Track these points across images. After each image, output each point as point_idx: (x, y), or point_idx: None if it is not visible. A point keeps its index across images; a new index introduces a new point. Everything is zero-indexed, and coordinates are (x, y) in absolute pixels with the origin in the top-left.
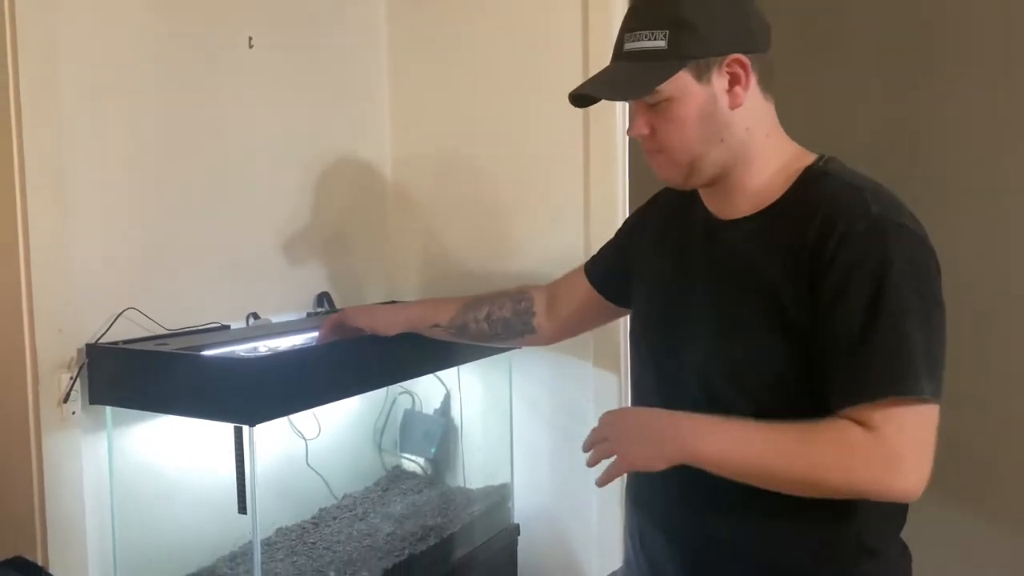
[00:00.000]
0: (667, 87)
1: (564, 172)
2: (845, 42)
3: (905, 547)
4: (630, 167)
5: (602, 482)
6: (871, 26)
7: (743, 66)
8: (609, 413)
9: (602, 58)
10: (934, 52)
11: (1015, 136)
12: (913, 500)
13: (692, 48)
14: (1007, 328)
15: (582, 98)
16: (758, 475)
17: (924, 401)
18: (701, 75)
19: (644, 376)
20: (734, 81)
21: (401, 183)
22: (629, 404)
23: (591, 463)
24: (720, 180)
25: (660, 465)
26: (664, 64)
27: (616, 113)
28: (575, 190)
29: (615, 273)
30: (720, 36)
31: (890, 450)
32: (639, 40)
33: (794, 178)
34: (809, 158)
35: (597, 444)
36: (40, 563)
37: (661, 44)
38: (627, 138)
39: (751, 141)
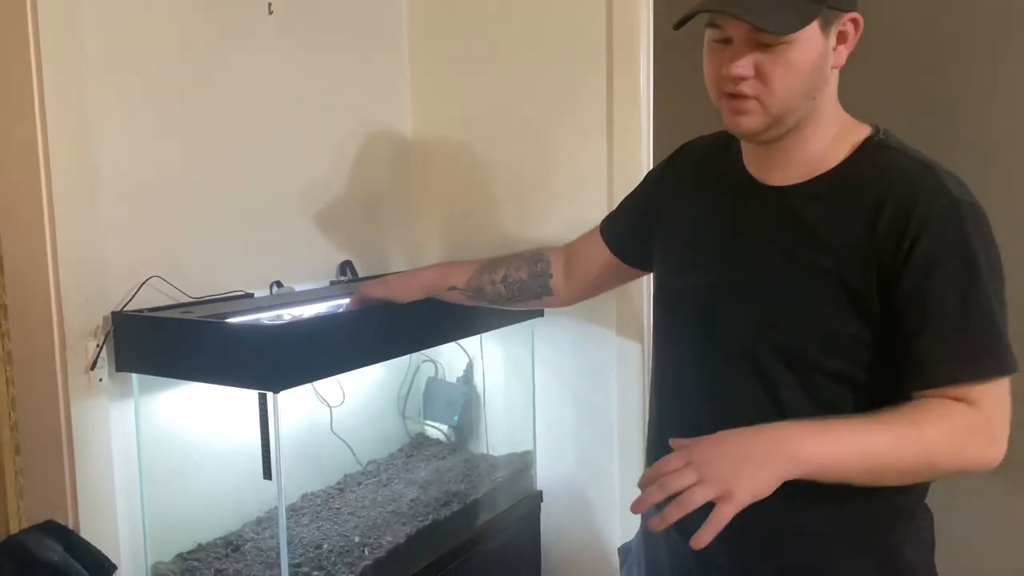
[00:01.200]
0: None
1: (587, 137)
2: (876, 31)
3: (927, 508)
4: (654, 132)
5: (705, 538)
6: (891, 21)
7: (856, 26)
8: (679, 453)
9: (626, 20)
10: (967, 45)
11: None
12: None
13: None
14: None
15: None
16: (873, 471)
17: (1009, 374)
18: (826, 25)
19: (674, 346)
20: (841, 40)
21: (423, 150)
22: (650, 375)
23: (674, 517)
24: (781, 140)
25: (771, 488)
26: (806, 4)
27: (641, 75)
28: (598, 155)
29: (632, 233)
30: None
31: (991, 424)
32: None
33: (853, 148)
34: (864, 128)
35: (684, 488)
36: (71, 527)
37: None
38: (652, 102)
39: (825, 105)
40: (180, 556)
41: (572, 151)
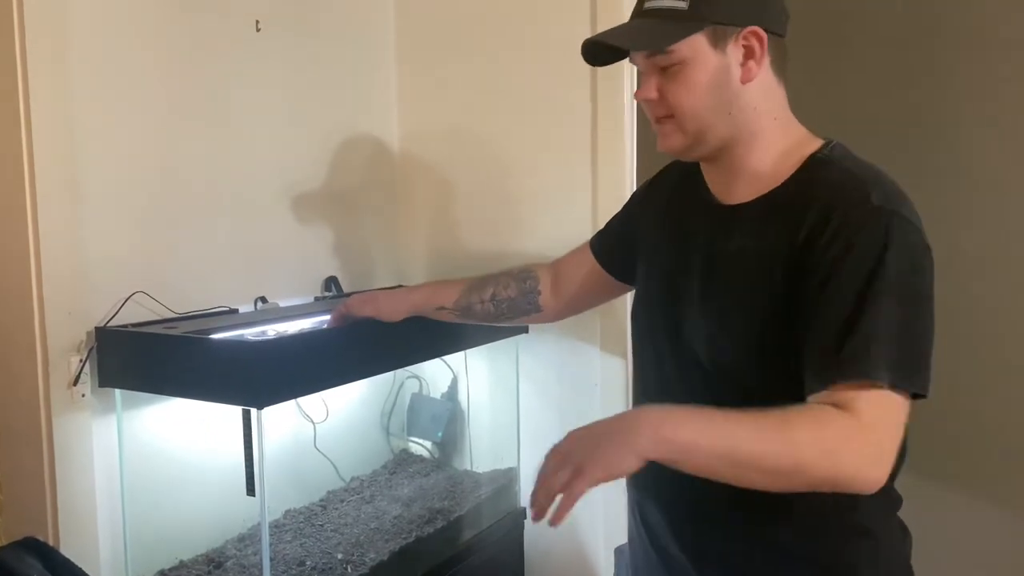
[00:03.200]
0: (682, 48)
1: (572, 151)
2: (855, 32)
3: (905, 529)
4: (638, 146)
5: (559, 517)
6: (881, 16)
7: (760, 40)
8: (553, 448)
9: None
10: (943, 44)
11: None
12: (870, 492)
13: (713, 12)
14: (1010, 319)
15: (596, 57)
16: (734, 464)
17: (902, 392)
18: (717, 42)
19: (645, 355)
20: (748, 55)
21: (409, 166)
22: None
23: (547, 499)
24: (721, 157)
25: (632, 462)
26: (683, 24)
27: (624, 90)
28: (583, 169)
29: (620, 247)
30: (741, 6)
31: (874, 437)
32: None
33: (798, 164)
34: (815, 144)
35: (553, 475)
36: (52, 543)
37: (682, 5)
38: (635, 117)
39: (758, 121)
40: (162, 573)
41: (557, 164)
